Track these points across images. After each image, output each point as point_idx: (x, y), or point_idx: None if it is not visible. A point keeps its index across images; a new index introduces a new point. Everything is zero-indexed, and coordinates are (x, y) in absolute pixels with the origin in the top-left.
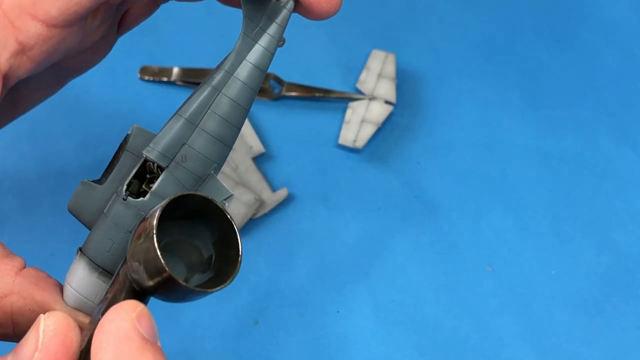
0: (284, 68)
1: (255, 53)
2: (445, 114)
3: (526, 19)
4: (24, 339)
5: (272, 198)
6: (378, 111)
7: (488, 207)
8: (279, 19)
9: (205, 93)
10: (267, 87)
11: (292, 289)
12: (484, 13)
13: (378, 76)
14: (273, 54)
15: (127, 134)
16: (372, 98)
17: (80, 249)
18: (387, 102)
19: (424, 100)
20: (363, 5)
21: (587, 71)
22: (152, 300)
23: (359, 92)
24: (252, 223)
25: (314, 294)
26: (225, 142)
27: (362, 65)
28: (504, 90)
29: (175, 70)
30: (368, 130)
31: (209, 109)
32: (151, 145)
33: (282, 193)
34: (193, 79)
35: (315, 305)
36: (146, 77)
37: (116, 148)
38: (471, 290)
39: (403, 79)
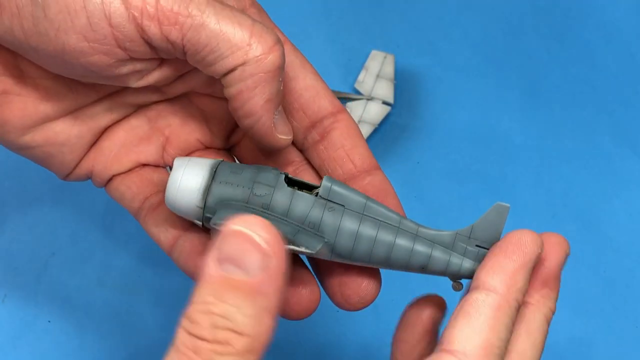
0: None
1: (433, 256)
2: (444, 114)
3: (526, 19)
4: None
5: None
6: (375, 112)
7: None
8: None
9: (393, 222)
10: None
11: None
12: (484, 13)
13: (376, 77)
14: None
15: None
16: (370, 99)
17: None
18: (385, 102)
19: (423, 101)
20: (363, 5)
21: (587, 71)
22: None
23: (357, 92)
24: None
25: None
26: (360, 242)
27: (361, 66)
28: (503, 90)
29: None
30: (365, 131)
31: (381, 221)
32: (334, 182)
33: None
34: None
35: None
36: None
37: None
38: None
39: (402, 80)
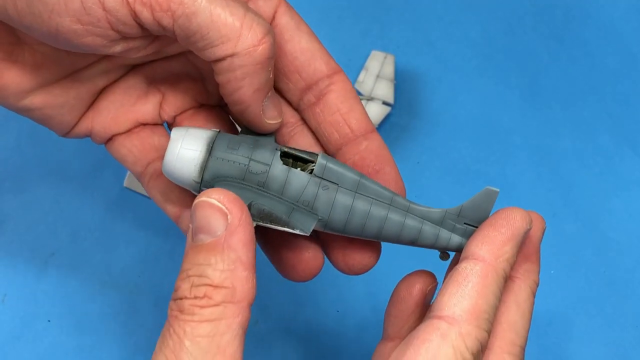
0: None
1: (425, 229)
2: (444, 114)
3: (526, 19)
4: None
5: None
6: (375, 112)
7: None
8: (456, 238)
9: (385, 196)
10: None
11: (292, 289)
12: (484, 13)
13: (376, 77)
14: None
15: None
16: (370, 99)
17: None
18: (385, 103)
19: (423, 101)
20: (363, 6)
21: (587, 71)
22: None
23: (357, 92)
24: None
25: (314, 294)
26: (353, 219)
27: (361, 66)
28: (503, 90)
29: None
30: None
31: (374, 199)
32: (329, 160)
33: None
34: None
35: (315, 305)
36: None
37: None
38: None
39: (402, 80)
